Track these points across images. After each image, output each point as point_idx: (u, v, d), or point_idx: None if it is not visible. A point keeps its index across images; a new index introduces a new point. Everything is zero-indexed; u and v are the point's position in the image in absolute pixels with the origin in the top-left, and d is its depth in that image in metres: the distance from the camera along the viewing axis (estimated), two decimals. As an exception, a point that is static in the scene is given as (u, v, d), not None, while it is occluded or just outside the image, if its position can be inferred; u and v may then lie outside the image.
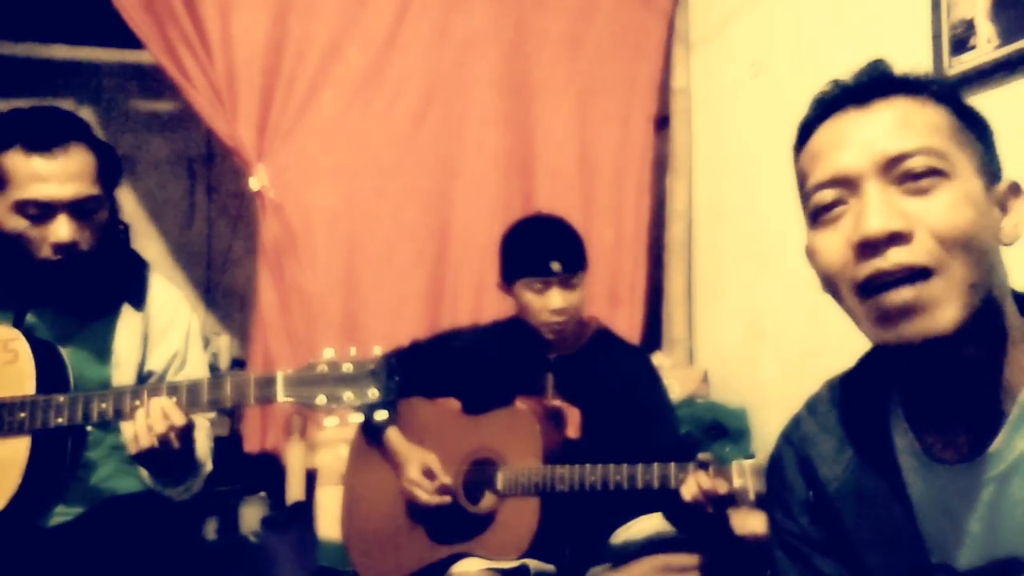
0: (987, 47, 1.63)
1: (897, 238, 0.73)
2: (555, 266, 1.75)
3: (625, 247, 2.86)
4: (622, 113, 2.87)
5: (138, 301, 1.59)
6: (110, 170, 1.50)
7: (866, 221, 0.74)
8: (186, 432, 1.38)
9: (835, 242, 0.78)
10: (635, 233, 2.87)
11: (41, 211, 1.40)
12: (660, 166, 2.92)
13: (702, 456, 1.52)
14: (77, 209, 1.42)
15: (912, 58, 1.87)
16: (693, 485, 1.49)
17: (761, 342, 2.47)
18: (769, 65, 2.45)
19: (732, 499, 1.48)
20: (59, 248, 1.42)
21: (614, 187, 2.86)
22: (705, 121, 2.84)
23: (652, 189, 2.91)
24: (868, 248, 0.74)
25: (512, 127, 2.76)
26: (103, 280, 1.54)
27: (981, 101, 1.64)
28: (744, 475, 1.47)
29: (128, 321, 1.58)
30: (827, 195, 0.79)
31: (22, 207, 1.39)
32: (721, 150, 2.74)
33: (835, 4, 2.16)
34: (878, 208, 0.74)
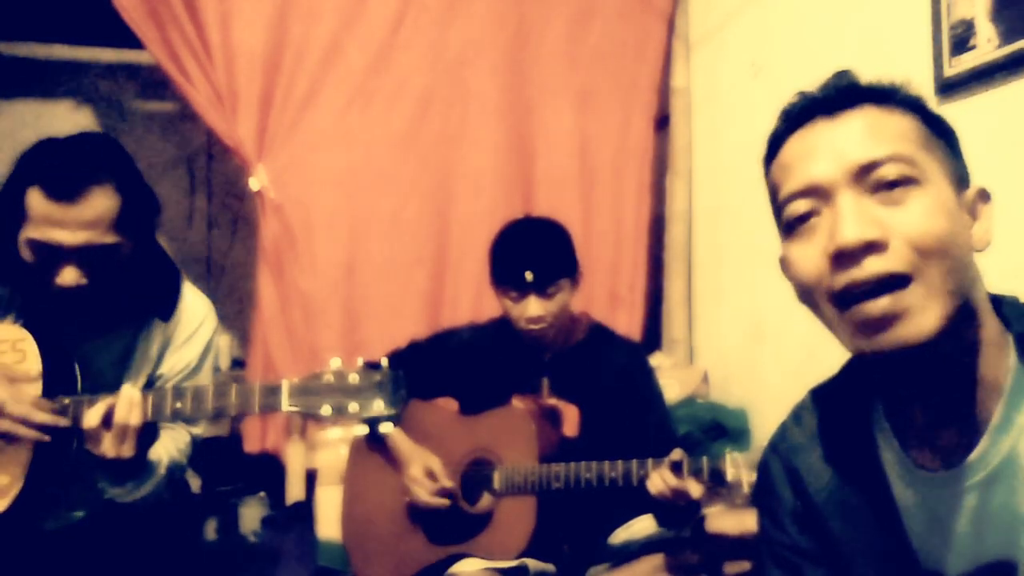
0: (987, 47, 1.62)
1: (873, 247, 0.73)
2: (528, 276, 1.74)
3: (625, 247, 2.86)
4: (622, 113, 2.87)
5: (167, 313, 1.59)
6: (136, 213, 1.43)
7: (841, 231, 0.74)
8: (142, 434, 1.35)
9: (810, 253, 0.77)
10: (635, 233, 2.87)
11: (48, 253, 1.37)
12: (660, 166, 2.92)
13: (674, 456, 1.52)
14: (86, 256, 1.38)
15: (912, 58, 1.88)
16: (659, 482, 1.51)
17: (761, 342, 2.47)
18: (769, 65, 2.45)
19: (687, 495, 1.49)
20: (63, 290, 1.38)
21: (614, 187, 2.86)
22: (705, 121, 2.83)
23: (652, 189, 2.91)
24: (844, 258, 0.74)
25: (512, 127, 2.76)
26: (133, 293, 1.52)
27: (981, 101, 1.65)
28: (738, 468, 1.47)
29: (154, 332, 1.58)
30: (800, 206, 0.79)
31: (32, 246, 1.37)
32: (721, 150, 2.74)
33: (835, 4, 2.16)
34: (852, 217, 0.74)
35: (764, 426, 2.41)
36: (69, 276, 1.37)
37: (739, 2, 2.62)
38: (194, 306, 1.64)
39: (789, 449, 0.94)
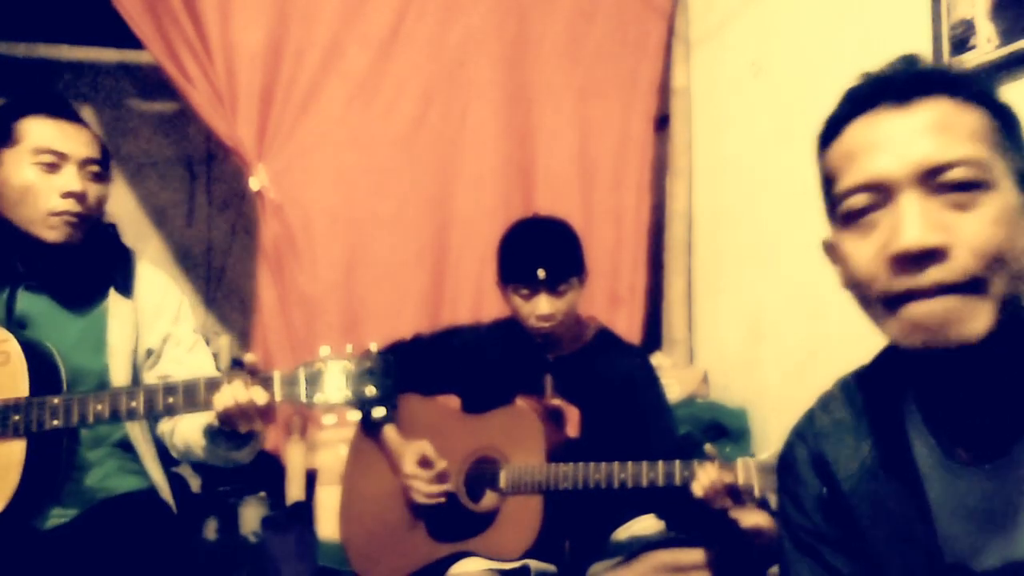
0: (987, 47, 1.63)
1: (935, 253, 0.70)
2: (540, 274, 1.74)
3: (625, 247, 2.85)
4: (622, 113, 2.87)
5: (126, 288, 1.63)
6: (107, 156, 1.60)
7: (903, 234, 0.71)
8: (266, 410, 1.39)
9: (867, 250, 0.75)
10: (635, 233, 2.87)
11: (55, 160, 1.50)
12: (660, 166, 2.92)
13: (708, 449, 1.52)
14: (85, 169, 1.54)
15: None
16: (705, 478, 1.49)
17: (761, 342, 2.47)
18: (769, 65, 2.45)
19: (738, 493, 1.48)
20: (69, 195, 1.50)
21: (614, 187, 2.85)
22: (705, 121, 2.83)
23: (652, 189, 2.91)
24: (904, 262, 0.71)
25: (512, 127, 2.76)
26: (93, 267, 1.59)
27: (981, 101, 1.64)
28: (749, 472, 1.47)
29: (118, 309, 1.60)
30: (860, 200, 0.76)
31: (38, 154, 1.49)
32: (721, 150, 2.74)
33: (835, 4, 2.16)
34: (916, 221, 0.71)
35: (764, 426, 2.41)
36: (74, 180, 1.51)
37: (739, 2, 2.62)
38: (151, 280, 1.68)
39: (817, 436, 0.92)
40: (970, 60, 1.66)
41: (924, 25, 1.78)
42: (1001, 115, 0.77)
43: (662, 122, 2.92)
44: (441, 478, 1.78)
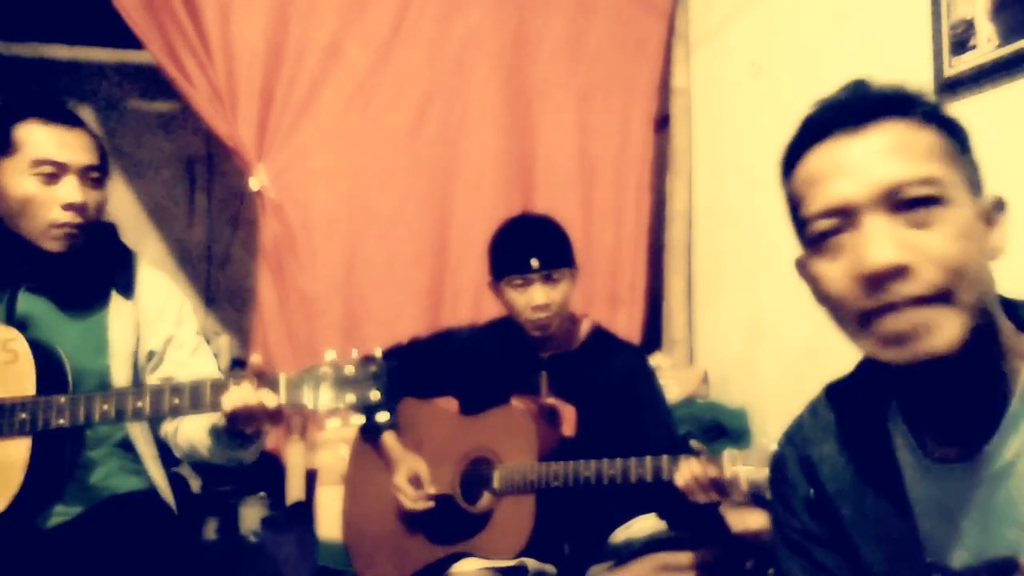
0: (987, 47, 1.63)
1: (900, 271, 0.73)
2: (534, 262, 1.77)
3: (625, 247, 2.86)
4: (622, 113, 2.87)
5: (127, 289, 1.62)
6: (105, 159, 1.57)
7: (870, 255, 0.74)
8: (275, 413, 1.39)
9: (837, 271, 0.78)
10: (635, 233, 2.87)
11: (55, 171, 1.47)
12: (660, 166, 2.92)
13: (694, 444, 1.53)
14: (85, 177, 1.50)
15: (912, 58, 1.88)
16: (686, 471, 1.51)
17: (761, 342, 2.47)
18: (769, 65, 2.45)
19: (723, 487, 1.49)
20: (70, 207, 1.48)
21: (614, 187, 2.86)
22: (705, 121, 2.84)
23: (652, 189, 2.91)
24: (872, 282, 0.74)
25: (512, 127, 2.76)
26: (93, 270, 1.58)
27: (981, 101, 1.65)
28: (736, 464, 1.47)
29: (119, 310, 1.60)
30: (826, 224, 0.79)
31: (38, 165, 1.46)
32: (721, 150, 2.74)
33: (835, 4, 2.16)
34: (881, 241, 0.74)
35: (764, 426, 2.41)
36: (75, 191, 1.48)
37: (739, 2, 2.62)
38: (153, 282, 1.67)
39: (804, 440, 0.95)
40: (970, 60, 1.66)
41: (924, 25, 1.78)
42: (952, 131, 0.80)
43: (662, 122, 2.93)
44: (428, 499, 1.81)
